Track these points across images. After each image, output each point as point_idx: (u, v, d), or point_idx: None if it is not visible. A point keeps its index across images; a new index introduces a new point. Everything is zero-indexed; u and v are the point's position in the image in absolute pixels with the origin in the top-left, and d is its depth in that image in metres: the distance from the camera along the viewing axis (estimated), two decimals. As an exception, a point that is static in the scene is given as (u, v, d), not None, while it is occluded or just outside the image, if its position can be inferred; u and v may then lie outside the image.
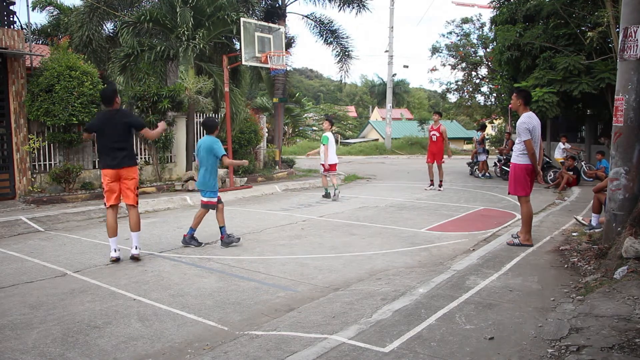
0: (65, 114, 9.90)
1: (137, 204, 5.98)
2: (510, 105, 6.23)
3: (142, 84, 12.27)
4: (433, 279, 4.76)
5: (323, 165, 11.14)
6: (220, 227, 6.54)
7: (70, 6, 17.90)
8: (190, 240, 6.56)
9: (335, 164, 11.26)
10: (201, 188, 6.54)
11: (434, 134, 12.52)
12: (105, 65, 14.36)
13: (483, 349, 3.23)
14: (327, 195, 11.18)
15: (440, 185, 12.48)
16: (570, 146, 14.19)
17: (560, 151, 14.04)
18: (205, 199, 6.53)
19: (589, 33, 11.59)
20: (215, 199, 6.53)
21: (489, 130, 41.45)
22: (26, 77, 10.20)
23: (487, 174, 15.81)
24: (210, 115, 14.45)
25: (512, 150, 6.91)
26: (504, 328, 3.54)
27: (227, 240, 6.54)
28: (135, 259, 5.87)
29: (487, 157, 16.21)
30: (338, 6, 18.21)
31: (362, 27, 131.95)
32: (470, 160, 17.11)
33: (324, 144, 10.95)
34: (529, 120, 5.87)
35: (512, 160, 6.15)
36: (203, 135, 6.74)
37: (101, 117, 5.92)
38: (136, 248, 5.92)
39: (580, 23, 13.33)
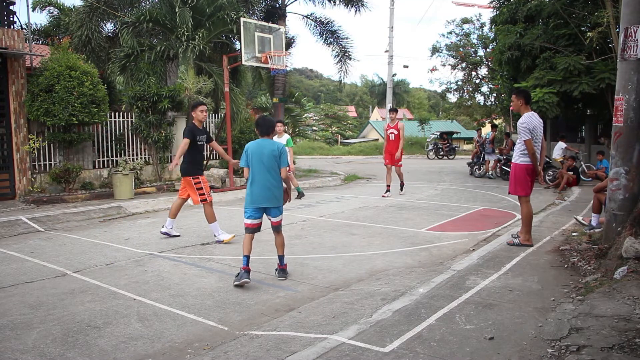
0: (65, 114, 9.90)
1: (204, 202, 6.83)
2: (511, 107, 6.22)
3: (142, 84, 12.27)
4: (433, 279, 4.76)
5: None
6: (280, 256, 5.27)
7: (70, 6, 17.91)
8: (285, 273, 5.23)
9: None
10: (274, 205, 5.02)
11: (391, 133, 11.35)
12: (105, 65, 14.37)
13: (483, 349, 3.23)
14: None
15: (402, 187, 11.62)
16: (566, 146, 14.15)
17: (560, 151, 14.01)
18: (278, 219, 5.14)
19: (589, 33, 11.60)
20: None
21: (489, 130, 41.45)
22: (26, 77, 10.20)
23: (487, 174, 15.80)
24: (210, 115, 14.46)
25: (512, 150, 6.92)
26: (504, 328, 3.54)
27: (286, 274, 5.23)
28: (220, 241, 6.82)
29: (496, 157, 15.66)
30: (338, 6, 18.24)
31: (362, 27, 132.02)
32: (470, 160, 17.10)
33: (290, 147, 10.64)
34: (529, 120, 5.87)
35: (512, 160, 6.15)
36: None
37: None
38: (215, 235, 6.90)
39: (580, 23, 13.34)
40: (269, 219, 5.16)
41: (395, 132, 11.27)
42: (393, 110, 12.05)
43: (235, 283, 4.86)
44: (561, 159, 13.48)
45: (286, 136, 10.90)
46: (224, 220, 8.54)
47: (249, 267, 4.97)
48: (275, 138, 10.70)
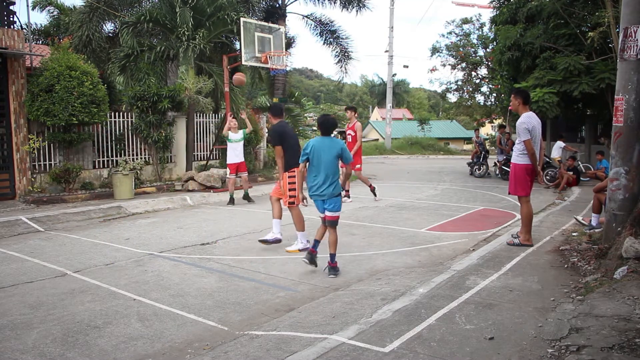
0: (65, 114, 9.89)
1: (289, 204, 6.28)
2: (510, 107, 6.21)
3: (142, 84, 12.26)
4: (433, 279, 4.76)
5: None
6: (332, 254, 5.31)
7: (70, 6, 17.91)
8: (336, 271, 5.29)
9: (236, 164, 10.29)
10: (329, 197, 5.23)
11: (349, 134, 10.31)
12: (105, 66, 14.36)
13: (483, 349, 3.23)
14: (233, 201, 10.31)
15: (373, 192, 10.27)
16: (565, 145, 14.08)
17: (558, 150, 13.96)
18: (334, 214, 5.26)
19: (589, 33, 11.59)
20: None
21: (489, 130, 41.50)
22: (26, 77, 10.19)
23: (488, 173, 15.81)
24: (210, 115, 14.46)
25: (512, 150, 6.92)
26: (504, 328, 3.54)
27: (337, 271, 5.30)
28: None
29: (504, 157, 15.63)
30: (340, 6, 18.24)
31: (362, 27, 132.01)
32: (470, 160, 17.11)
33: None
34: (528, 120, 5.87)
35: (512, 160, 6.14)
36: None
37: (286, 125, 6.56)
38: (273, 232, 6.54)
39: (580, 23, 13.34)
40: (325, 213, 5.28)
41: (353, 133, 10.29)
42: (350, 108, 10.69)
43: (304, 260, 5.28)
44: (559, 159, 13.46)
45: (240, 132, 10.26)
46: (224, 220, 8.55)
47: (316, 251, 5.27)
48: (231, 133, 10.16)
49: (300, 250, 6.08)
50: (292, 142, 6.28)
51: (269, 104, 24.38)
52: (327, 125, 5.42)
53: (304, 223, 6.29)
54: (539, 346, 3.21)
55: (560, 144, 14.05)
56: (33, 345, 3.60)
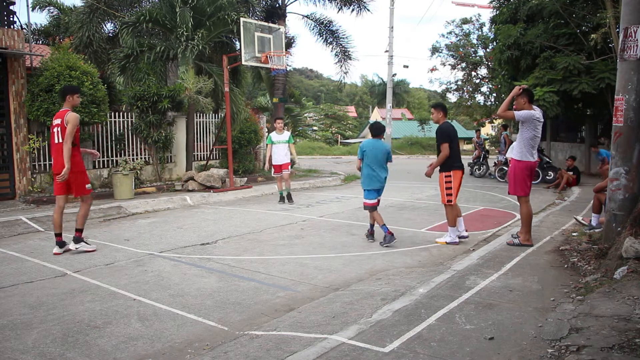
0: (65, 114, 9.87)
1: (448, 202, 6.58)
2: (515, 107, 6.17)
3: (142, 84, 12.25)
4: (433, 279, 4.76)
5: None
6: (382, 225, 6.61)
7: (70, 6, 17.91)
8: (391, 239, 6.50)
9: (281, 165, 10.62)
10: (382, 187, 6.73)
11: (56, 128, 6.57)
12: (106, 66, 14.35)
13: (483, 349, 3.23)
14: (283, 199, 10.76)
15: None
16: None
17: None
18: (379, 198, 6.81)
19: (592, 35, 11.60)
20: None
21: (489, 130, 41.50)
22: (26, 77, 10.19)
23: (489, 174, 15.81)
24: (211, 115, 14.48)
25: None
26: (504, 328, 3.54)
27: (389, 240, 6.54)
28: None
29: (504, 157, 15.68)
30: (337, 6, 18.24)
31: (362, 27, 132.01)
32: (471, 161, 17.10)
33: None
34: (539, 114, 5.86)
35: (513, 157, 6.10)
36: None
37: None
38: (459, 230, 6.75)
39: (580, 23, 13.35)
40: (379, 199, 6.76)
41: (59, 123, 6.62)
42: (64, 94, 6.88)
43: (385, 244, 6.46)
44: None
45: (287, 133, 10.77)
46: (224, 220, 8.55)
47: (391, 232, 6.53)
48: (274, 134, 10.69)
49: (447, 243, 6.56)
50: (455, 143, 6.63)
51: (268, 104, 24.43)
52: (377, 129, 6.77)
53: (456, 220, 6.64)
54: (539, 346, 3.21)
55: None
56: (33, 345, 3.59)
